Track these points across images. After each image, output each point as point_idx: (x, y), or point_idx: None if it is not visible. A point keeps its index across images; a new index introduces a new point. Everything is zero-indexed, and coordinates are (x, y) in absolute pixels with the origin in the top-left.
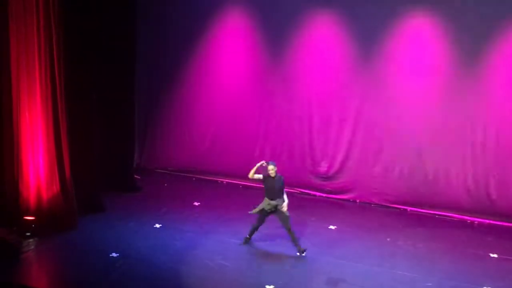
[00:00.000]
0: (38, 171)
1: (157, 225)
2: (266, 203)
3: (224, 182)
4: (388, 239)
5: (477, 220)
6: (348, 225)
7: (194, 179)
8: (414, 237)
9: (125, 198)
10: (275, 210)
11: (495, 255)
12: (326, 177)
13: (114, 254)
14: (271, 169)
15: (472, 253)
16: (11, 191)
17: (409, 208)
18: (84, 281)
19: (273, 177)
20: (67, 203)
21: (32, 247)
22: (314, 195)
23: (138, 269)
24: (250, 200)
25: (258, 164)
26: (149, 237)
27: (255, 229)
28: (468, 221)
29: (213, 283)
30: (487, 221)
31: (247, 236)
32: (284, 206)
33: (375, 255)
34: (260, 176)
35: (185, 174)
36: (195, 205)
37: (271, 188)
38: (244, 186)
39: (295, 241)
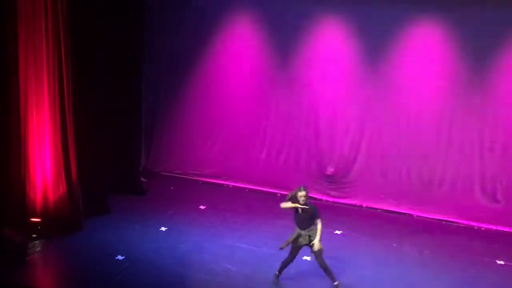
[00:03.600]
0: (45, 173)
1: (163, 228)
2: (297, 234)
3: (230, 185)
4: (394, 245)
5: (483, 226)
6: (354, 230)
7: (200, 182)
8: (420, 243)
9: (131, 201)
10: (309, 242)
11: (502, 262)
12: (332, 182)
13: (119, 257)
14: (302, 195)
15: (479, 259)
16: (18, 193)
17: (415, 214)
18: (89, 283)
19: (302, 205)
20: (73, 205)
21: (38, 248)
22: (320, 200)
23: (143, 272)
24: (256, 204)
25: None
26: (154, 240)
27: (285, 265)
28: (475, 227)
29: (218, 287)
30: (494, 227)
31: (277, 273)
32: (316, 242)
33: (380, 260)
34: (291, 204)
35: (191, 177)
36: (201, 208)
37: (300, 217)
38: (250, 189)
39: (330, 275)
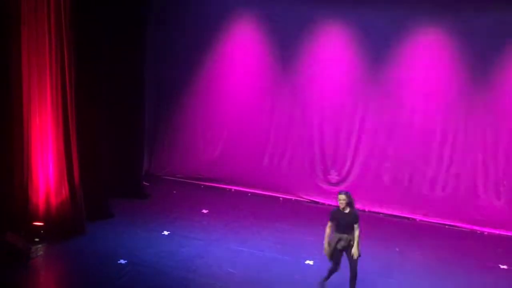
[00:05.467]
0: (48, 177)
1: (165, 232)
2: (336, 239)
3: (233, 189)
4: (397, 249)
5: (486, 230)
6: None
7: (202, 186)
8: (423, 247)
9: (134, 205)
10: (348, 246)
11: (505, 267)
12: (335, 186)
13: (121, 261)
14: (341, 199)
15: (482, 264)
16: (20, 197)
17: (418, 218)
18: (92, 287)
19: (341, 209)
20: (75, 209)
21: (41, 252)
22: (323, 204)
23: (145, 276)
24: (258, 208)
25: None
26: (157, 244)
27: (332, 272)
28: (478, 232)
29: None
30: (497, 231)
31: (325, 279)
32: (354, 249)
33: (383, 265)
34: (329, 223)
35: (194, 182)
36: (203, 212)
37: (340, 222)
38: (252, 194)
39: (353, 284)
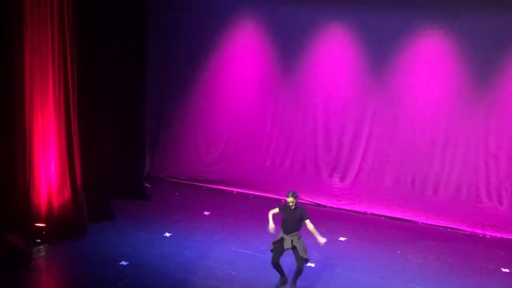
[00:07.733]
0: (50, 178)
1: (167, 234)
2: (280, 237)
3: (234, 191)
4: (399, 252)
5: (488, 233)
6: (359, 237)
7: (204, 188)
8: (424, 250)
9: (136, 206)
10: (293, 247)
11: (507, 270)
12: (338, 188)
13: (123, 262)
14: (290, 201)
15: (484, 267)
16: (23, 198)
17: (420, 221)
18: None
19: (290, 207)
20: (77, 210)
21: (42, 254)
22: (325, 206)
23: (147, 277)
24: (260, 210)
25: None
26: (158, 246)
27: (277, 264)
28: (480, 235)
29: None
30: (499, 235)
31: (283, 277)
32: (320, 238)
33: (385, 267)
34: (276, 209)
35: (196, 183)
36: (205, 214)
37: (286, 218)
38: (254, 196)
39: (294, 280)
